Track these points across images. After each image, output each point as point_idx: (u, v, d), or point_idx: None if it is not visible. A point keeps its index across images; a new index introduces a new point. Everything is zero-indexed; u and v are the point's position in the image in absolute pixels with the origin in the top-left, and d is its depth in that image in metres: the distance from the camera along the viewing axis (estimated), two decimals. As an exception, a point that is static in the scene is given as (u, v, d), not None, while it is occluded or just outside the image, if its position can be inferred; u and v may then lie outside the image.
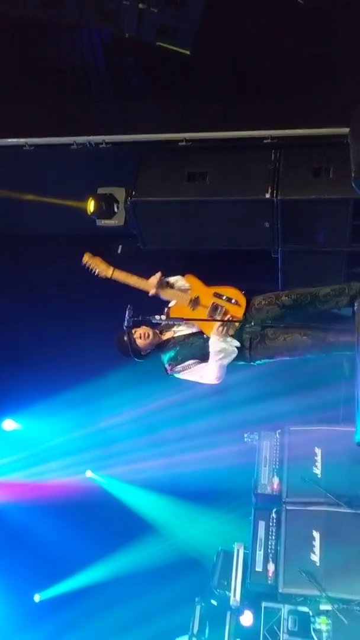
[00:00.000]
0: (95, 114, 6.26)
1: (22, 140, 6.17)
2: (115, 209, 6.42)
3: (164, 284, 4.22)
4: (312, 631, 6.07)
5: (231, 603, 6.45)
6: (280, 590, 5.89)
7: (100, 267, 4.06)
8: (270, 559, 6.12)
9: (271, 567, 6.07)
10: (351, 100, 5.23)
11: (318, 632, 6.03)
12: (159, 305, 4.32)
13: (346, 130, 5.23)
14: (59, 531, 7.66)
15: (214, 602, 6.70)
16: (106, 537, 7.54)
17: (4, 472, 7.94)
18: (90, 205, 6.31)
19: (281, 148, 5.72)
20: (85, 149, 6.06)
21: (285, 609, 6.90)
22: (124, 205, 6.18)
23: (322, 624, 5.88)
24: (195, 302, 4.24)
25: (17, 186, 6.39)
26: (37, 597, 8.05)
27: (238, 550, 6.65)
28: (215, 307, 4.24)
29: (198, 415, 7.24)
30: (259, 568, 6.12)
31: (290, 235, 5.77)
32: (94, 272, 4.08)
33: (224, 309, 4.24)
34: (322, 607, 5.83)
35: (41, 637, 7.66)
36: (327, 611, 5.84)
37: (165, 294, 4.23)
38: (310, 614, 6.13)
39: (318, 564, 5.82)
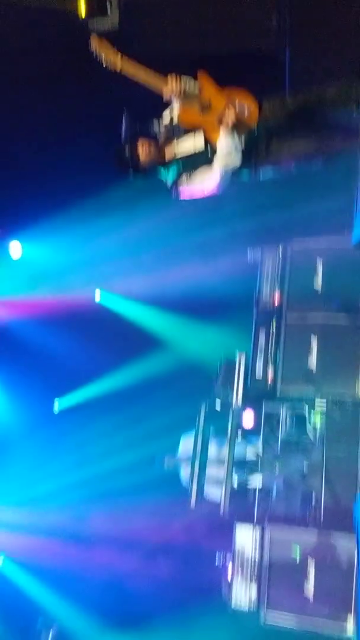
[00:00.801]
0: None
1: None
2: (109, 9, 5.94)
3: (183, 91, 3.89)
4: (307, 428, 6.65)
5: (233, 407, 6.94)
6: (278, 395, 6.31)
7: (109, 56, 3.56)
8: (270, 366, 6.48)
9: (270, 373, 6.45)
10: None
11: (313, 429, 6.59)
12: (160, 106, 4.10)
13: None
14: (67, 347, 8.04)
15: (217, 408, 7.21)
16: (113, 352, 7.92)
17: (10, 292, 8.10)
18: (81, 6, 5.82)
19: None
20: None
21: (284, 411, 7.51)
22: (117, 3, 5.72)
23: (316, 421, 6.40)
24: (206, 107, 3.93)
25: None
26: (56, 406, 8.67)
27: (240, 360, 7.01)
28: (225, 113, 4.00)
29: (200, 229, 7.24)
30: (259, 373, 6.51)
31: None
32: (102, 63, 3.60)
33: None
34: (317, 407, 6.32)
35: (64, 446, 8.31)
36: (321, 411, 6.33)
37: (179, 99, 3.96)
38: (306, 413, 6.67)
39: (314, 367, 6.20)
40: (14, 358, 8.06)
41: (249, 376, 6.64)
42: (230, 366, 7.08)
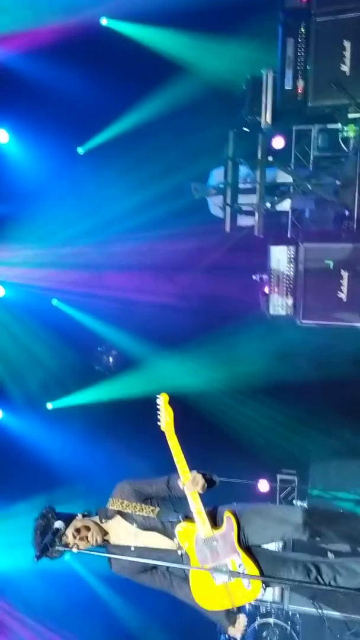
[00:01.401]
0: None
1: None
2: None
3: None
4: (340, 142, 6.43)
5: (263, 126, 6.66)
6: (309, 104, 5.97)
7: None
8: (300, 76, 6.05)
9: (300, 83, 6.05)
10: None
11: (346, 141, 6.37)
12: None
13: None
14: (83, 84, 7.57)
15: (246, 130, 6.93)
16: (130, 84, 7.44)
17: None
18: None
19: None
20: None
21: (315, 128, 7.21)
22: None
23: (350, 131, 6.15)
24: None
25: None
26: (80, 150, 8.48)
27: (267, 76, 6.54)
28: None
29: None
30: (288, 86, 6.11)
31: None
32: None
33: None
34: (351, 115, 6.01)
35: (89, 186, 8.30)
36: (356, 119, 6.04)
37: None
38: (339, 126, 6.39)
39: (348, 74, 5.76)
40: (28, 101, 7.71)
41: (278, 91, 6.25)
42: (257, 84, 6.67)
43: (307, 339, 6.79)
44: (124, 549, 3.59)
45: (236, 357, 7.81)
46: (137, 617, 8.32)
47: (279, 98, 6.27)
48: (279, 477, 7.50)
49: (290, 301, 6.18)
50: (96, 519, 3.70)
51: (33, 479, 8.17)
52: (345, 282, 6.05)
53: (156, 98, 7.63)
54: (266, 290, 6.31)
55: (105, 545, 3.66)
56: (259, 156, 6.62)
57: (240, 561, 3.36)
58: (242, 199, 7.01)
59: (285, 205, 6.94)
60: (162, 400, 3.57)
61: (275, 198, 6.82)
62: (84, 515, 3.70)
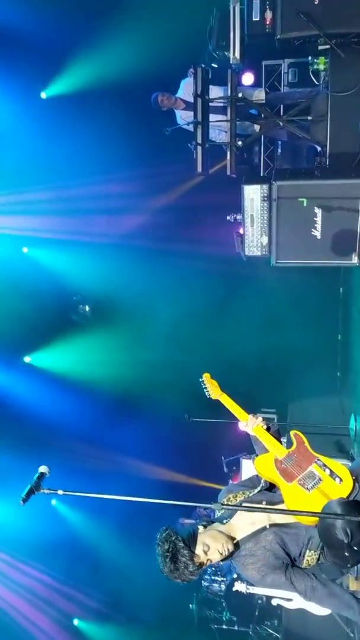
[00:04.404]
0: None
1: None
2: None
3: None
4: (310, 74, 6.31)
5: (231, 62, 6.47)
6: (278, 36, 5.80)
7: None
8: (268, 7, 5.88)
9: (269, 14, 5.88)
10: None
11: (316, 73, 6.25)
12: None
13: None
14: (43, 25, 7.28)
15: (214, 65, 6.73)
16: (96, 24, 7.18)
17: None
18: None
19: None
20: None
21: (285, 63, 7.08)
22: None
23: (320, 64, 6.02)
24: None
25: None
26: (43, 95, 8.21)
27: (234, 8, 6.30)
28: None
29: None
30: (256, 17, 5.93)
31: None
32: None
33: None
34: (321, 47, 5.87)
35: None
36: (325, 51, 5.91)
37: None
38: (309, 58, 6.26)
39: (317, 3, 5.57)
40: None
41: (246, 25, 6.06)
42: (224, 18, 6.45)
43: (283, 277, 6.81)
44: (258, 533, 3.40)
45: (212, 299, 7.85)
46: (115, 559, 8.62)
47: (247, 31, 6.09)
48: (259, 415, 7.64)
49: (265, 241, 6.15)
50: (218, 526, 3.46)
51: (9, 431, 8.27)
52: (319, 219, 6.02)
53: (121, 34, 7.36)
54: (240, 230, 6.26)
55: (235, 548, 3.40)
56: (229, 92, 6.46)
57: (321, 463, 3.52)
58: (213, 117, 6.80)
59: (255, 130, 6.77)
60: (205, 378, 3.90)
61: (246, 137, 6.67)
62: (205, 527, 3.43)
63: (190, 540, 3.24)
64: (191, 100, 6.35)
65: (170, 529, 3.26)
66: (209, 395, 3.82)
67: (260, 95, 6.65)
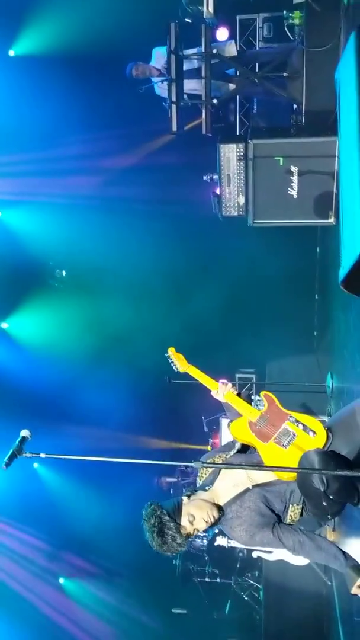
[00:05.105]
0: None
1: None
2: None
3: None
4: (285, 29, 6.19)
5: (205, 17, 6.32)
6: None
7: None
8: None
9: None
10: None
11: (291, 28, 6.13)
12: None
13: None
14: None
15: (188, 21, 6.57)
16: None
17: None
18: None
19: None
20: None
21: (260, 17, 6.92)
22: None
23: (295, 18, 5.92)
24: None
25: None
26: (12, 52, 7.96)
27: None
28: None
29: None
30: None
31: None
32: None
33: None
34: (296, 1, 5.76)
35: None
36: (300, 4, 5.80)
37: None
38: (284, 12, 6.13)
39: None
40: None
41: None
42: (197, -30, 6.27)
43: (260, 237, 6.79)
44: (242, 495, 3.43)
45: (189, 260, 7.82)
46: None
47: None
48: (237, 375, 7.75)
49: (242, 201, 6.12)
50: (201, 494, 3.45)
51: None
52: (295, 179, 6.00)
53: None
54: (217, 191, 6.22)
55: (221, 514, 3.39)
56: (203, 49, 6.32)
57: (294, 419, 3.58)
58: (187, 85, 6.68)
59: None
60: (171, 352, 3.88)
61: (221, 93, 6.56)
62: (189, 497, 3.42)
63: (175, 512, 3.26)
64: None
65: (155, 504, 3.26)
66: (177, 369, 3.82)
67: (231, 48, 6.52)
